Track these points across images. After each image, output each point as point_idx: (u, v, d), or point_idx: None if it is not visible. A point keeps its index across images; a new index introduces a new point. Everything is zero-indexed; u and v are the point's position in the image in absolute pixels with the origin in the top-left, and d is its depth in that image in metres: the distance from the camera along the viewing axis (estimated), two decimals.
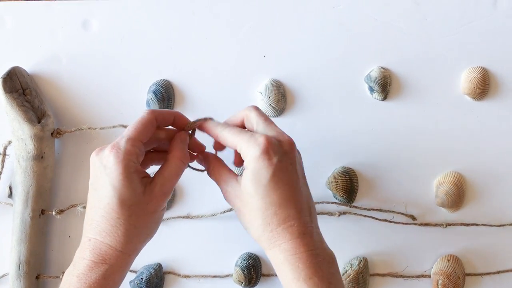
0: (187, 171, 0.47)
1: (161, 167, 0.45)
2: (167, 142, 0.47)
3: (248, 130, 0.46)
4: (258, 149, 0.42)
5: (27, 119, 0.54)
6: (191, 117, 0.46)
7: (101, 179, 0.42)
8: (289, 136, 0.45)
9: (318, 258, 0.42)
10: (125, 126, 0.58)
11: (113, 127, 0.57)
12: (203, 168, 0.49)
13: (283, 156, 0.43)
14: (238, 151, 0.44)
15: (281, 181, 0.42)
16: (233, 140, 0.44)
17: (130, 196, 0.42)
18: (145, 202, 0.43)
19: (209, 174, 0.47)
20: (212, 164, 0.47)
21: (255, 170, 0.42)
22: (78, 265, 0.42)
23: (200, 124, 0.47)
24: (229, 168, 0.47)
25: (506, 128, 0.60)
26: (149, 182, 0.43)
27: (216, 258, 0.60)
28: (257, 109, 0.46)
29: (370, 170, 0.60)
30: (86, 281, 0.41)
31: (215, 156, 0.48)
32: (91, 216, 0.43)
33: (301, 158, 0.47)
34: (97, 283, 0.41)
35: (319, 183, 0.60)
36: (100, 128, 0.57)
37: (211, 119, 0.47)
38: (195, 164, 0.49)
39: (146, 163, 0.47)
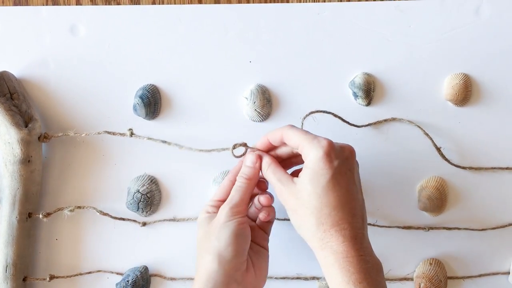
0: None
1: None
2: None
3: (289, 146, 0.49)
4: (321, 151, 0.45)
5: (14, 123, 0.55)
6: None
7: None
8: (349, 145, 0.48)
9: (368, 264, 0.44)
10: (109, 133, 0.58)
11: (98, 133, 0.58)
12: None
13: (343, 161, 0.46)
14: (299, 151, 0.47)
15: (339, 184, 0.45)
16: (297, 139, 0.46)
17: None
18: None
19: (264, 174, 0.50)
20: (269, 164, 0.49)
21: (315, 171, 0.45)
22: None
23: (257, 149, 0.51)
24: (284, 170, 0.49)
25: (488, 133, 0.61)
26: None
27: None
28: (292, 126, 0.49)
29: None
30: None
31: (271, 157, 0.50)
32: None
33: (358, 167, 0.49)
34: None
35: None
36: (85, 134, 0.58)
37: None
38: None
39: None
